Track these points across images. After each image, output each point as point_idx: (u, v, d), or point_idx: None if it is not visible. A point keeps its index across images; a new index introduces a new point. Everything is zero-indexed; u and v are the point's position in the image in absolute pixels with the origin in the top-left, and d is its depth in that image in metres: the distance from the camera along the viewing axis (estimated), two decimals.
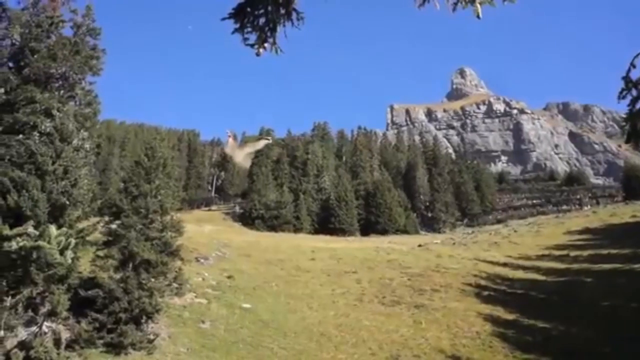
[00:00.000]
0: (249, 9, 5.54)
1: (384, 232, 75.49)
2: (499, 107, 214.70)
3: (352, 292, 33.46)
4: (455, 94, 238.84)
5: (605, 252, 45.70)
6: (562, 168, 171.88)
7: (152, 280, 23.15)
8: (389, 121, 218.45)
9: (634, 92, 4.47)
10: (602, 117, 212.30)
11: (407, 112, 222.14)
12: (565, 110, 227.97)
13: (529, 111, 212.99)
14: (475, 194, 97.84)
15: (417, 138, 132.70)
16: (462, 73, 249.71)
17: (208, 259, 37.65)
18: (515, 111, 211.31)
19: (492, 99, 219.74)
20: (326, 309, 29.52)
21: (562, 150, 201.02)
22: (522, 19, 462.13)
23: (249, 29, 5.57)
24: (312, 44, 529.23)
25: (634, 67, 4.45)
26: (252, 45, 5.65)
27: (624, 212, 67.63)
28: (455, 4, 5.63)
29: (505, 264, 43.32)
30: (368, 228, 76.87)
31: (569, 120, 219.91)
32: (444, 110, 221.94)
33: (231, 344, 23.63)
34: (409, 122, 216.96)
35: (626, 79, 4.47)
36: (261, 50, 5.70)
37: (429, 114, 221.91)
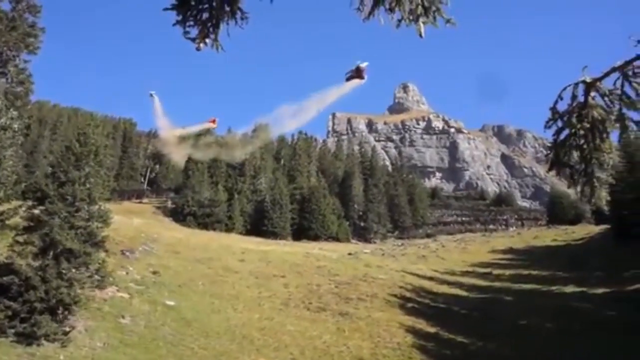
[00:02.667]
0: (192, 2, 5.43)
1: (316, 238, 75.71)
2: (438, 124, 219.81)
3: (278, 296, 33.38)
4: (396, 108, 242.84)
5: (526, 272, 47.49)
6: (492, 188, 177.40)
7: (73, 270, 22.37)
8: (330, 129, 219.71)
9: (560, 123, 4.65)
10: (533, 143, 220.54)
11: (349, 121, 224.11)
12: (500, 133, 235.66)
13: (465, 131, 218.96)
14: (408, 207, 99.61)
15: (356, 148, 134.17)
16: (405, 88, 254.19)
17: (134, 252, 36.71)
18: (452, 130, 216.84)
19: (432, 116, 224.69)
20: (251, 312, 29.33)
21: (493, 171, 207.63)
22: (463, 41, 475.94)
23: (191, 23, 5.46)
24: (261, 45, 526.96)
25: (561, 99, 4.64)
26: (192, 40, 5.55)
27: (546, 236, 70.51)
28: (399, 21, 5.71)
29: (431, 278, 44.30)
30: (300, 233, 76.92)
31: (503, 143, 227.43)
32: (385, 123, 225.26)
33: (150, 341, 23.11)
34: (349, 131, 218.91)
35: (553, 109, 4.65)
36: (202, 45, 5.60)
37: (370, 125, 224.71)
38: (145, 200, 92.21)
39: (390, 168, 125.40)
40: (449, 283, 42.98)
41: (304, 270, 40.91)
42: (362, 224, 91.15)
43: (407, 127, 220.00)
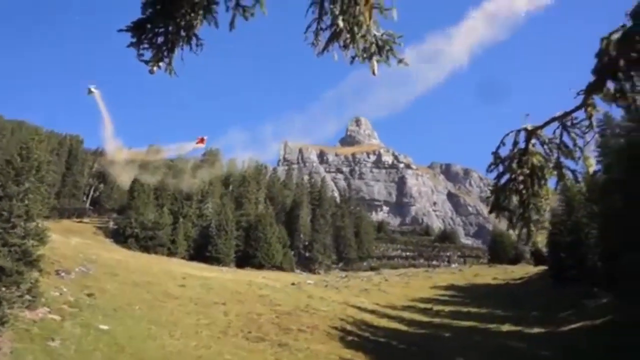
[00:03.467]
0: (149, 26, 5.41)
1: (260, 266, 75.03)
2: (388, 159, 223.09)
3: (218, 323, 32.77)
4: (348, 140, 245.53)
5: (465, 309, 48.18)
6: (437, 225, 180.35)
7: (3, 289, 21.42)
8: (281, 157, 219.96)
9: (501, 168, 4.81)
10: (478, 182, 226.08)
11: (300, 150, 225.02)
12: (447, 171, 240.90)
13: (414, 167, 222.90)
14: (354, 239, 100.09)
15: (306, 177, 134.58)
16: (357, 121, 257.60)
17: (70, 273, 35.49)
18: (402, 165, 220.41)
19: (382, 150, 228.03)
20: (188, 339, 28.64)
21: (439, 208, 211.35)
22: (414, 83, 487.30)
23: (146, 46, 5.43)
24: (213, 72, 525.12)
25: (504, 144, 4.80)
26: (146, 62, 5.51)
27: (487, 274, 71.98)
28: (353, 57, 5.83)
29: (372, 311, 44.43)
30: (244, 260, 76.10)
31: (449, 181, 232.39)
32: (336, 154, 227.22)
33: None
34: (300, 161, 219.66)
35: (495, 154, 4.81)
36: (155, 68, 5.57)
37: (321, 155, 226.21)
38: (86, 219, 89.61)
39: (338, 199, 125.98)
40: (389, 317, 43.20)
41: (245, 298, 40.39)
42: (307, 254, 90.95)
43: (357, 159, 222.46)
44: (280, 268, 77.54)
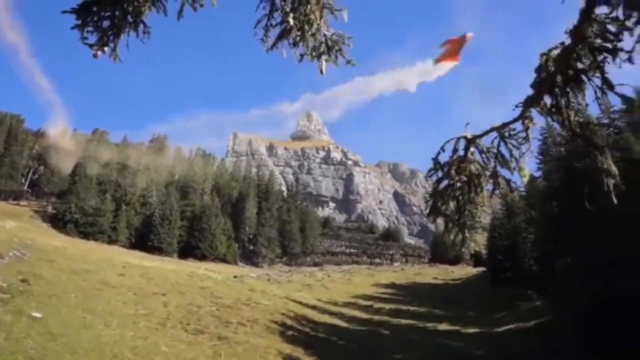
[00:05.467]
0: (94, 9, 5.28)
1: (203, 257, 74.30)
2: (337, 155, 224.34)
3: (156, 314, 32.20)
4: (299, 135, 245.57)
5: (405, 308, 49.01)
6: (382, 223, 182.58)
7: None
8: (230, 148, 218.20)
9: (440, 174, 4.92)
10: (424, 183, 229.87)
11: (250, 142, 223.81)
12: (395, 171, 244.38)
13: (362, 165, 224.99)
14: (299, 234, 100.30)
15: (254, 170, 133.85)
16: (308, 116, 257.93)
17: (3, 258, 34.22)
18: (350, 162, 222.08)
19: (331, 147, 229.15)
20: (125, 329, 28.02)
21: (385, 206, 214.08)
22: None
23: (91, 29, 5.30)
24: (170, 58, 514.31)
25: (444, 151, 4.91)
26: (90, 46, 5.38)
27: (428, 273, 73.42)
28: (302, 55, 5.85)
29: (313, 307, 44.62)
30: (187, 251, 75.19)
31: (397, 180, 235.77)
32: (285, 148, 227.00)
33: (9, 355, 21.42)
34: (249, 153, 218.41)
35: (435, 160, 4.91)
36: (99, 52, 5.45)
37: (271, 148, 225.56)
38: (23, 202, 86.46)
39: (285, 194, 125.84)
40: (330, 313, 43.49)
41: (186, 290, 39.85)
42: (251, 247, 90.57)
43: (306, 154, 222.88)
44: (223, 260, 77.00)
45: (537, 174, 48.23)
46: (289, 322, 36.91)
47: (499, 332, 41.56)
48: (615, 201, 4.45)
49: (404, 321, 43.70)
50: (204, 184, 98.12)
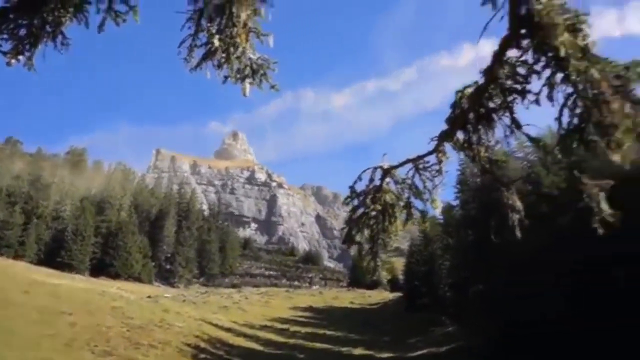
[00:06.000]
0: (11, 16, 5.08)
1: (116, 276, 71.67)
2: (261, 176, 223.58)
3: (62, 335, 30.68)
4: (224, 154, 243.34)
5: (321, 331, 49.05)
6: (303, 246, 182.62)
7: None
8: (152, 164, 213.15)
9: (356, 202, 5.00)
10: (346, 208, 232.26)
11: (173, 159, 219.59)
12: (318, 194, 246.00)
13: (286, 187, 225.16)
14: (218, 254, 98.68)
15: (175, 187, 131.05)
16: (235, 136, 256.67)
17: None
18: (274, 184, 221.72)
19: (256, 167, 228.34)
20: (27, 350, 26.51)
21: (307, 229, 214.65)
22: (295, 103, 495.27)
23: (6, 36, 5.10)
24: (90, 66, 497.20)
25: (361, 179, 5.00)
26: (4, 53, 5.17)
27: (346, 297, 73.94)
28: (226, 77, 5.83)
29: (229, 329, 43.95)
30: (100, 269, 72.30)
31: (319, 204, 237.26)
32: (209, 167, 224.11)
33: None
34: (172, 170, 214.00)
35: (352, 188, 5.00)
36: (13, 61, 5.23)
37: (194, 166, 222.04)
38: None
39: (206, 213, 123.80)
40: (246, 336, 42.95)
41: (96, 309, 38.23)
42: (168, 266, 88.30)
43: (230, 174, 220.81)
44: (138, 279, 74.57)
45: (455, 202, 49.95)
46: (202, 344, 36.14)
47: (412, 357, 42.27)
48: (519, 235, 4.66)
49: (319, 345, 43.70)
50: (122, 200, 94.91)
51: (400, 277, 78.76)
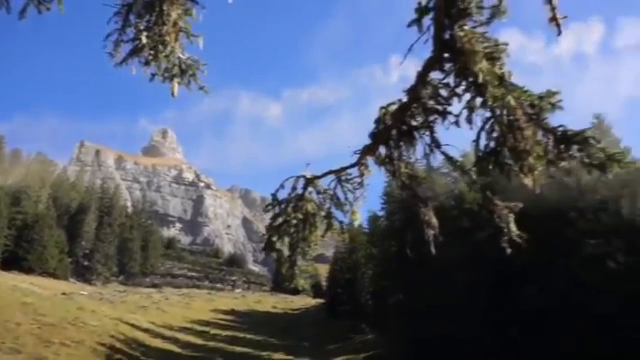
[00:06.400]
0: None
1: (30, 271, 68.48)
2: (189, 176, 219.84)
3: None
4: (151, 151, 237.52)
5: (242, 335, 48.72)
6: (228, 249, 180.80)
7: None
8: (75, 157, 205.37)
9: (277, 210, 5.02)
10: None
11: (98, 153, 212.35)
12: (246, 197, 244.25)
13: (214, 188, 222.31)
14: (140, 253, 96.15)
15: (99, 182, 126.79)
16: (164, 133, 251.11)
17: None
18: (202, 184, 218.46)
19: (184, 167, 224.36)
20: None
21: (233, 232, 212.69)
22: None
23: None
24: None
25: (283, 188, 5.03)
26: None
27: (269, 302, 73.76)
28: (154, 75, 5.73)
29: (147, 330, 42.95)
30: (12, 263, 68.82)
31: (247, 207, 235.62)
32: (136, 163, 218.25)
33: None
34: (95, 164, 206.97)
35: (274, 196, 5.01)
36: None
37: (120, 162, 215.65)
38: None
39: (130, 210, 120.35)
40: (164, 337, 42.09)
41: (5, 305, 36.45)
42: (86, 263, 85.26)
43: (157, 172, 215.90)
44: (53, 275, 71.57)
45: (381, 213, 50.79)
46: (118, 345, 35.15)
47: None
48: (434, 251, 4.82)
49: (239, 349, 43.40)
50: (41, 192, 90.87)
51: (324, 284, 79.31)
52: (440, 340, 32.85)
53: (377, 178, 5.00)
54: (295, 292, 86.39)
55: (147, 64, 5.57)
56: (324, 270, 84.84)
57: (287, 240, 5.01)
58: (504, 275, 31.70)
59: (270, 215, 5.15)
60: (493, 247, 4.60)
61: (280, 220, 5.02)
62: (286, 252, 5.03)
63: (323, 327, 55.92)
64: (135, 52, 5.43)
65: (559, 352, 28.97)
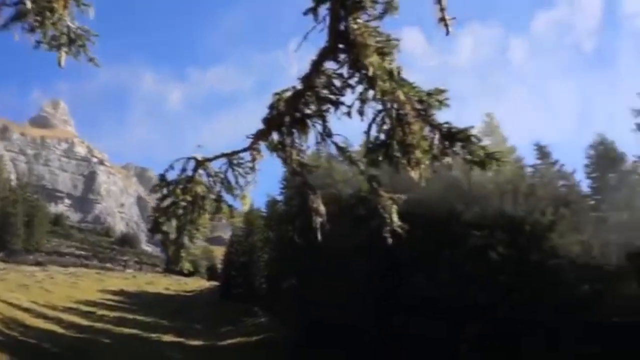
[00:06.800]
0: None
1: None
2: (81, 150, 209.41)
3: None
4: (40, 122, 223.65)
5: (131, 316, 47.47)
6: (120, 228, 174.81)
7: None
8: None
9: (165, 191, 4.91)
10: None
11: None
12: (142, 175, 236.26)
13: (108, 164, 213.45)
14: (24, 229, 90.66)
15: None
16: (55, 104, 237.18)
17: None
18: (95, 160, 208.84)
19: (76, 140, 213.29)
20: None
21: (126, 210, 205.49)
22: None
23: None
24: None
25: (172, 168, 4.92)
26: None
27: (161, 283, 72.19)
28: (38, 42, 5.41)
29: (27, 310, 40.89)
30: None
31: (142, 185, 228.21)
32: (22, 134, 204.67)
33: None
34: None
35: (162, 177, 4.91)
36: None
37: (4, 131, 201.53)
38: None
39: (14, 183, 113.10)
40: (46, 317, 40.21)
41: None
42: None
43: (46, 144, 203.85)
44: None
45: (280, 198, 50.94)
46: None
47: (221, 346, 42.57)
48: (320, 238, 4.91)
49: (127, 330, 42.26)
50: None
51: (220, 266, 78.66)
52: (331, 326, 33.60)
53: (277, 162, 5.01)
54: (189, 273, 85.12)
55: (31, 30, 5.25)
56: (220, 252, 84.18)
57: (174, 222, 4.91)
58: (396, 264, 32.90)
59: (158, 195, 5.01)
60: (385, 236, 4.75)
61: (168, 201, 4.91)
62: (173, 234, 4.93)
63: (216, 309, 55.56)
64: (18, 16, 5.09)
65: (443, 340, 30.57)
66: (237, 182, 4.94)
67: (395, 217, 4.65)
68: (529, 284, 28.47)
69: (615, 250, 28.42)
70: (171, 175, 4.91)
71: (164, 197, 4.92)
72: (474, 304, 28.55)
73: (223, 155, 4.86)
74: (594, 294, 27.80)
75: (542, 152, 38.61)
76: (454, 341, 31.02)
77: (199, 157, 4.82)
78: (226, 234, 78.72)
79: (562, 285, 27.66)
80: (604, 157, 34.79)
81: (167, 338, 42.32)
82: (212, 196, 4.98)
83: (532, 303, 27.28)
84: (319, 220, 4.96)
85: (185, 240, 4.91)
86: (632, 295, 27.23)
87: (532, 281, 28.45)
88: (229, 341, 44.18)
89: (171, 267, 67.45)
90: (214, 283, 73.50)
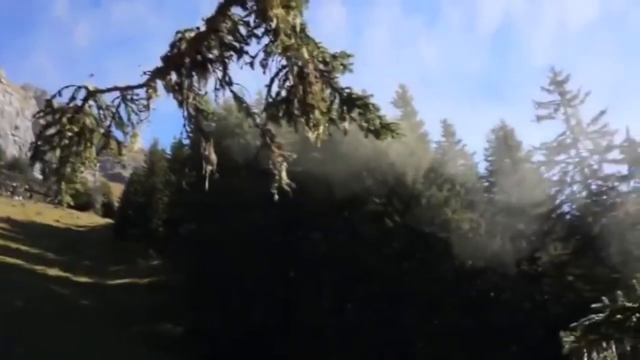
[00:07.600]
0: None
1: None
2: None
3: None
4: None
5: (15, 246, 45.51)
6: (12, 151, 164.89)
7: None
8: None
9: (50, 118, 4.67)
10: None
11: None
12: (41, 99, 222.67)
13: (4, 82, 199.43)
14: None
15: None
16: None
17: None
18: None
19: None
20: None
21: (20, 134, 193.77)
22: None
23: None
24: None
25: (61, 95, 4.67)
26: None
27: (51, 215, 69.16)
28: None
29: None
30: None
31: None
32: None
33: None
34: None
35: (48, 102, 4.67)
36: None
37: None
38: None
39: None
40: None
41: None
42: None
43: None
44: None
45: (186, 141, 49.84)
46: None
47: (111, 285, 41.85)
48: (207, 186, 4.86)
49: (10, 260, 40.53)
50: None
51: (117, 204, 76.29)
52: (224, 274, 33.73)
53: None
54: (84, 208, 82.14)
55: None
56: (118, 190, 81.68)
57: (57, 152, 4.68)
58: (296, 220, 33.34)
59: (42, 122, 4.74)
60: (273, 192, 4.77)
61: (53, 129, 4.66)
62: (55, 164, 4.71)
63: (108, 247, 54.18)
64: None
65: (332, 297, 31.57)
66: (129, 119, 4.76)
67: (284, 174, 4.67)
68: (419, 253, 29.83)
69: (500, 230, 30.20)
70: (61, 103, 4.65)
71: (48, 125, 4.66)
72: (365, 266, 29.60)
73: (116, 88, 4.65)
74: (478, 270, 29.57)
75: (448, 130, 40.06)
76: (342, 300, 32.14)
77: (90, 87, 4.58)
78: (127, 172, 76.26)
79: (449, 259, 29.16)
80: (503, 142, 36.47)
81: (53, 272, 41.04)
82: (101, 130, 4.78)
83: (420, 272, 28.63)
84: (209, 168, 4.89)
85: (68, 172, 4.70)
86: (511, 274, 29.19)
87: (422, 251, 29.83)
88: (118, 281, 43.48)
89: (49, 200, 64.69)
90: (109, 220, 71.36)
